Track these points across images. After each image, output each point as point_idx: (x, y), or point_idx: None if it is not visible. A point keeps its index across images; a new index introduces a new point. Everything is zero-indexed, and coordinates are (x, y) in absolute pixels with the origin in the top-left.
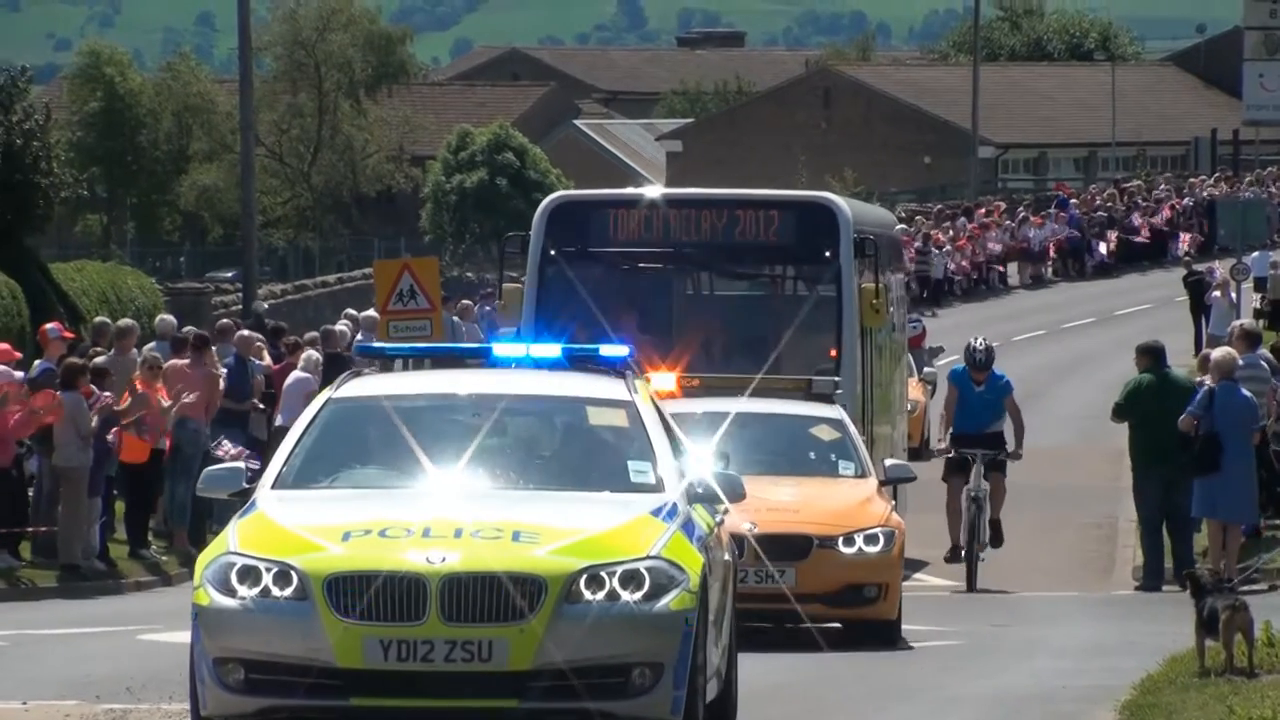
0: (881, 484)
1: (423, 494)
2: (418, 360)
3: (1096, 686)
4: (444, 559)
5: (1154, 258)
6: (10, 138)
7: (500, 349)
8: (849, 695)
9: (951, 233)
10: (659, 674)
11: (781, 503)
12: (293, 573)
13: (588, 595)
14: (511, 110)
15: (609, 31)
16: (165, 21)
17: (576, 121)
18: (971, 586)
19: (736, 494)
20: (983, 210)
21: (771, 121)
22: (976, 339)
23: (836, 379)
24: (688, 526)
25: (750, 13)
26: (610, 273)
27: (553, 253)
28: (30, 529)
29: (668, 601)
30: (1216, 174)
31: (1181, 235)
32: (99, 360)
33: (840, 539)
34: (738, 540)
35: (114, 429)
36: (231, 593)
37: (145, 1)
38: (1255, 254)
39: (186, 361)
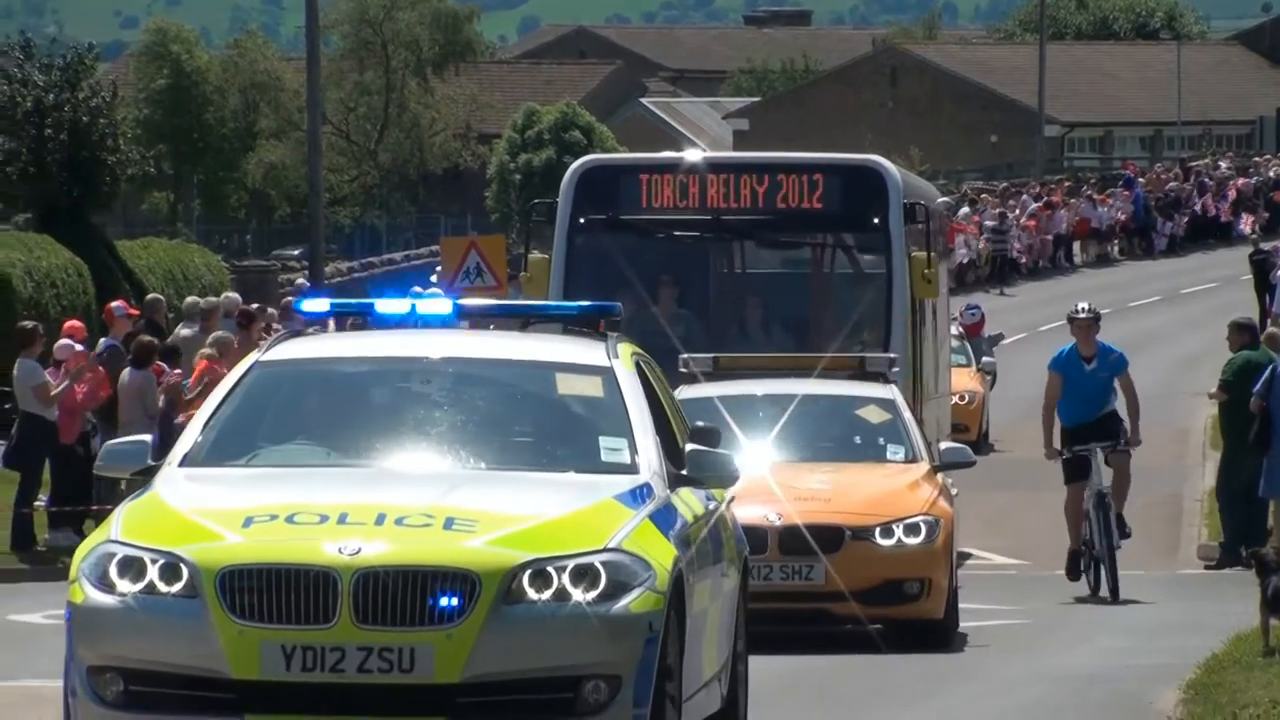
0: (935, 469)
1: (348, 474)
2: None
3: (1161, 665)
4: (359, 550)
5: (1219, 236)
6: (77, 115)
7: (383, 305)
8: (901, 678)
9: (1018, 211)
10: (616, 688)
11: (813, 491)
12: (182, 565)
13: (531, 594)
14: (578, 89)
15: (676, 10)
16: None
17: (643, 100)
18: (1114, 597)
19: (728, 476)
20: (1049, 188)
21: (838, 100)
22: (1080, 305)
23: (893, 355)
24: (663, 514)
25: None
26: (644, 242)
27: (582, 221)
28: (94, 507)
29: (628, 603)
30: None
31: (1245, 214)
32: (171, 339)
33: (877, 529)
34: (762, 533)
35: (183, 410)
36: (110, 589)
37: None
38: None
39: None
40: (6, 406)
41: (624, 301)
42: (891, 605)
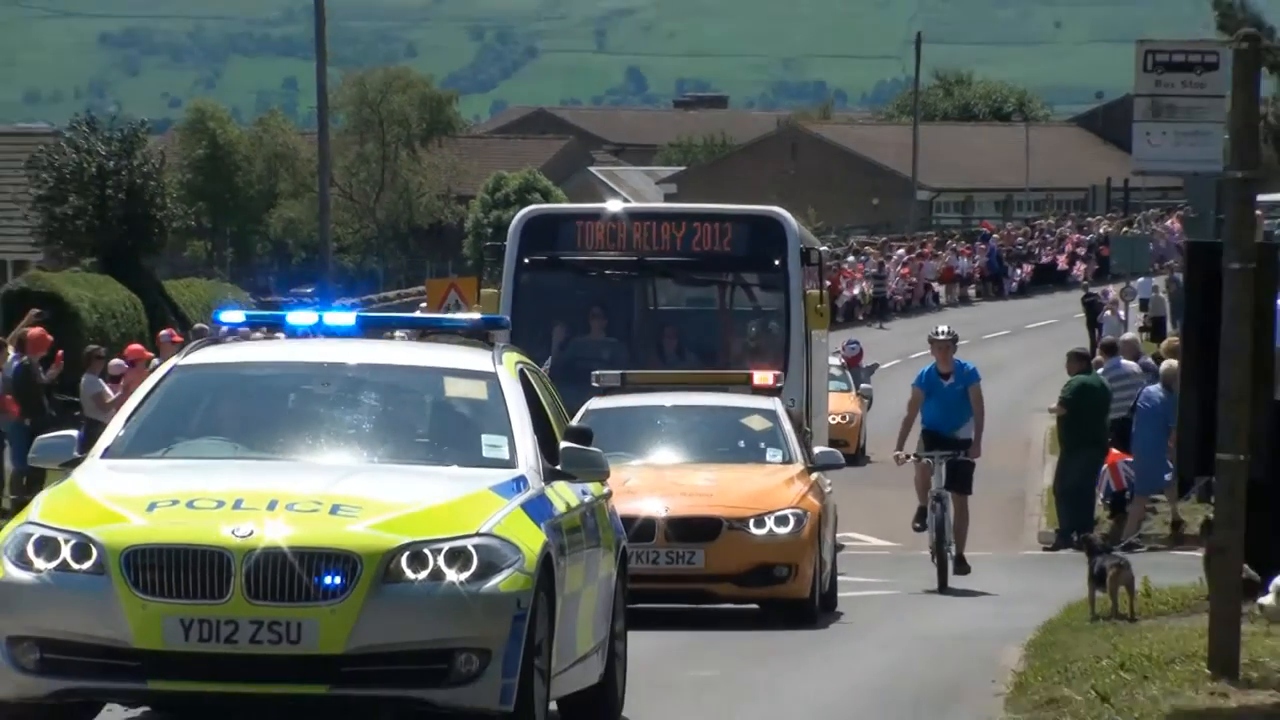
0: (808, 470)
1: (249, 465)
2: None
3: (1007, 629)
4: (251, 532)
5: (1058, 282)
6: (132, 178)
7: (293, 316)
8: (775, 644)
9: (894, 260)
10: (486, 660)
11: (696, 487)
12: (91, 545)
13: (409, 574)
14: (538, 159)
15: (618, 95)
16: (258, 84)
17: (591, 169)
18: (942, 588)
19: (598, 471)
20: (920, 242)
21: (749, 169)
22: (940, 327)
23: (777, 373)
24: (535, 504)
25: (732, 80)
26: (578, 279)
27: (526, 261)
28: None
29: (497, 582)
30: (1110, 215)
31: (1078, 264)
32: None
33: (751, 521)
34: (651, 523)
35: None
36: (28, 565)
37: (241, 68)
38: (1140, 280)
39: None
40: (76, 414)
41: (560, 328)
42: (763, 586)
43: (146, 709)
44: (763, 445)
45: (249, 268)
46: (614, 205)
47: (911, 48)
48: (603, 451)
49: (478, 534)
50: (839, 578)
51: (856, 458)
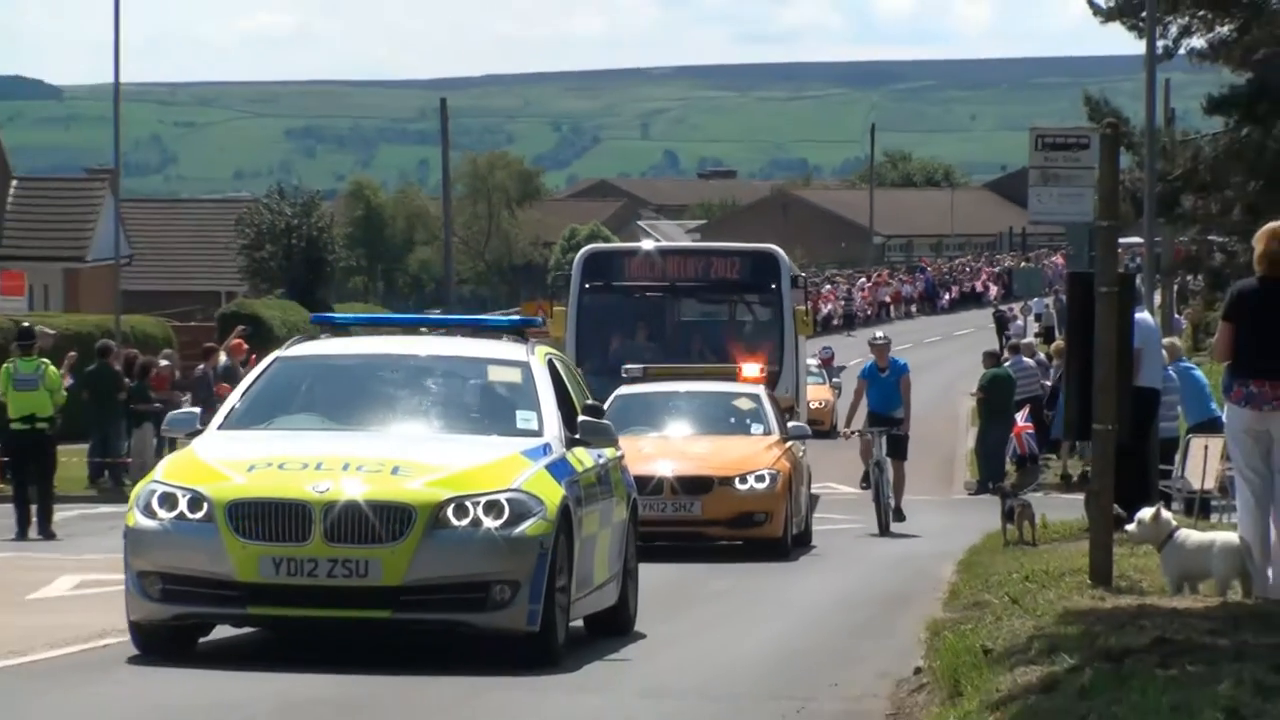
0: (784, 439)
1: (330, 435)
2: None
3: (942, 552)
4: (328, 489)
5: (975, 302)
6: (310, 232)
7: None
8: (762, 566)
9: (858, 287)
10: (515, 590)
11: (696, 453)
12: (203, 499)
13: (454, 521)
14: (600, 216)
15: (657, 169)
16: (400, 164)
17: (638, 223)
18: (882, 531)
19: (608, 439)
20: (876, 273)
21: (752, 222)
22: (877, 333)
23: (761, 367)
24: (557, 465)
25: (739, 159)
26: (624, 300)
27: (586, 286)
28: None
29: (525, 528)
30: (1012, 253)
31: (991, 288)
32: None
33: (736, 479)
34: (660, 481)
35: None
36: (153, 515)
37: (388, 152)
38: (1035, 299)
39: None
40: None
41: (610, 337)
42: (746, 529)
43: (247, 629)
44: (749, 421)
45: (394, 295)
46: (649, 244)
47: (868, 135)
48: (628, 425)
49: (509, 489)
50: (818, 516)
51: (830, 432)
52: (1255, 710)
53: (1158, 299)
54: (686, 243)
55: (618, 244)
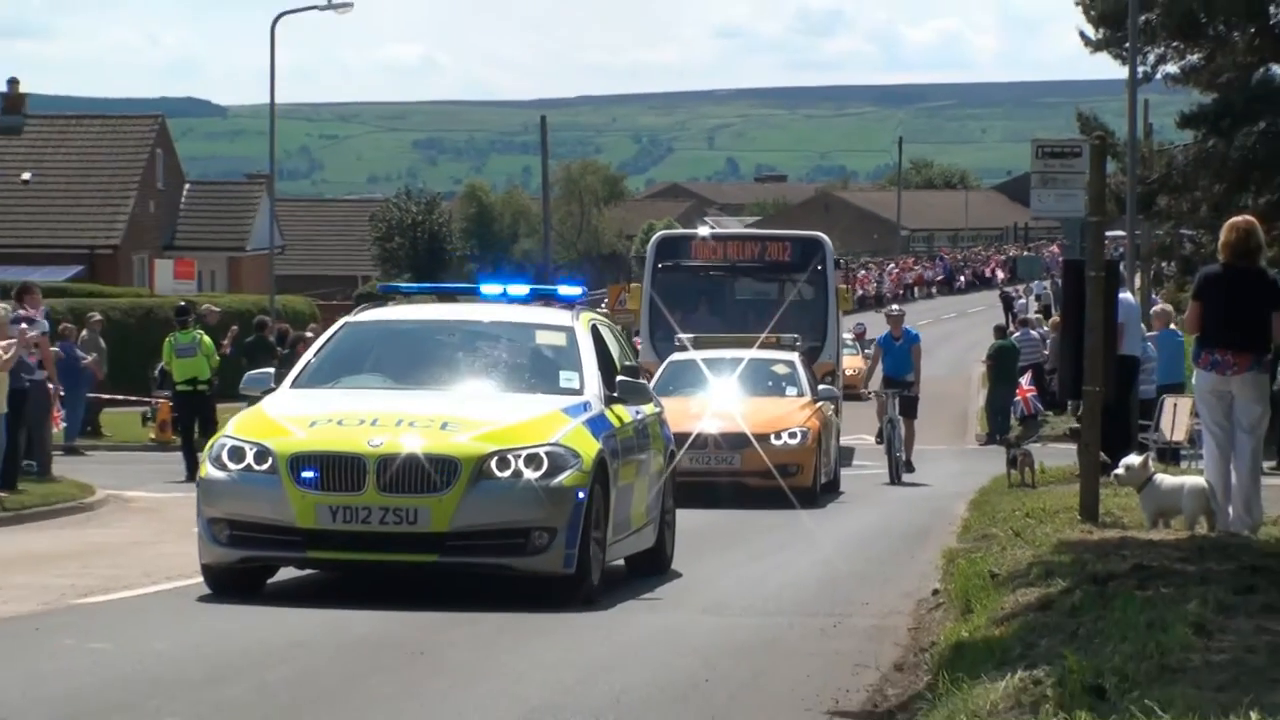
0: (814, 400)
1: (388, 394)
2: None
3: (956, 492)
4: (382, 443)
5: (986, 285)
6: (431, 227)
7: (486, 288)
8: (795, 511)
9: (888, 271)
10: (553, 536)
11: (737, 413)
12: (268, 452)
13: (497, 473)
14: (673, 213)
15: (721, 175)
16: (507, 170)
17: (705, 218)
18: (893, 480)
19: (644, 397)
20: (902, 260)
21: (799, 218)
22: (892, 306)
23: (796, 336)
24: (595, 421)
25: (790, 165)
26: (691, 278)
27: (659, 266)
28: None
29: (562, 479)
30: (1017, 244)
31: (999, 273)
32: None
33: (772, 435)
34: (706, 437)
35: None
36: (223, 467)
37: (497, 160)
38: (1036, 282)
39: None
40: None
41: (678, 310)
42: (781, 479)
43: (309, 572)
44: (784, 384)
45: (501, 280)
46: (713, 229)
47: (896, 146)
48: (678, 387)
49: (548, 443)
50: (851, 464)
51: (862, 396)
52: (1218, 625)
53: (1138, 282)
54: (743, 229)
55: (684, 230)
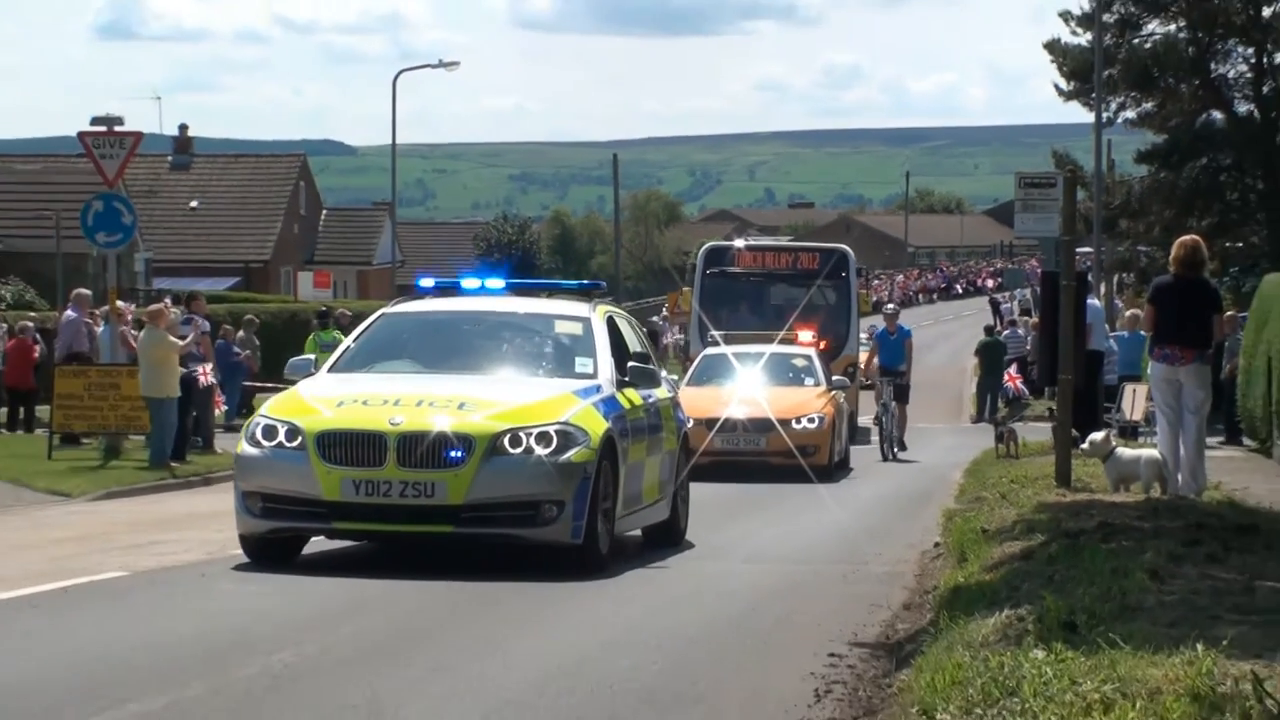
0: (829, 389)
1: (414, 377)
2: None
3: (953, 462)
4: (401, 421)
5: (979, 292)
6: (525, 245)
7: (466, 282)
8: (814, 486)
9: (898, 281)
10: (561, 509)
11: (762, 400)
12: (298, 430)
13: (509, 449)
14: (721, 234)
15: (760, 202)
16: (586, 199)
17: (746, 236)
18: (885, 458)
19: (653, 381)
20: (909, 272)
21: (824, 238)
22: (888, 304)
23: (812, 334)
24: (605, 403)
25: (817, 194)
26: (734, 283)
27: (707, 272)
28: None
29: (570, 455)
30: (1003, 258)
31: (989, 282)
32: None
33: (792, 420)
34: (735, 421)
35: None
36: (257, 444)
37: (577, 190)
38: (1019, 290)
39: None
40: None
41: (722, 310)
42: (800, 458)
43: (338, 542)
44: (803, 375)
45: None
46: (753, 241)
47: (904, 178)
48: (712, 378)
49: (558, 422)
50: (870, 442)
51: (873, 387)
52: (1169, 572)
53: (1103, 290)
54: (781, 241)
55: (729, 242)
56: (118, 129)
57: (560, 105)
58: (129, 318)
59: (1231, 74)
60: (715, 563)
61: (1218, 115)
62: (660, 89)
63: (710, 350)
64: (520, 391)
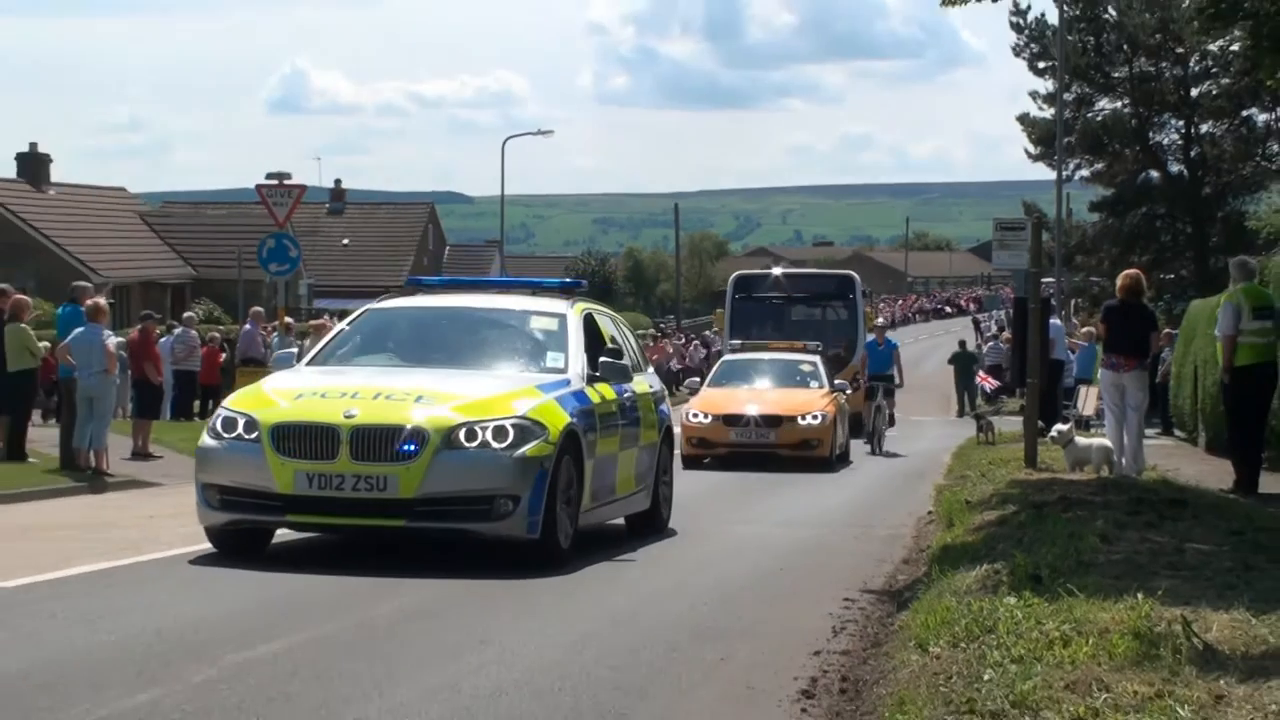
0: (831, 390)
1: (382, 371)
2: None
3: (942, 448)
4: (355, 414)
5: (963, 313)
6: (606, 275)
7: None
8: (818, 475)
9: (896, 305)
10: (517, 503)
11: (773, 399)
12: (255, 422)
13: (464, 443)
14: (755, 266)
15: (790, 241)
16: (654, 239)
17: (776, 270)
18: (874, 453)
19: (624, 375)
20: (907, 297)
21: (841, 269)
22: (878, 318)
23: (817, 344)
24: (570, 397)
25: (835, 234)
26: (760, 304)
27: (737, 296)
28: None
29: (526, 450)
30: (983, 285)
31: (972, 305)
32: None
33: (798, 417)
34: (748, 418)
35: None
36: (218, 436)
37: (648, 232)
38: (996, 311)
39: None
40: None
41: (749, 327)
42: (805, 451)
43: (314, 535)
44: (808, 379)
45: (650, 309)
46: (776, 270)
47: (904, 222)
48: (730, 380)
49: (515, 416)
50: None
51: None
52: (1115, 536)
53: (1063, 312)
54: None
55: (757, 270)
56: (286, 182)
57: (633, 164)
58: (294, 330)
59: (1166, 141)
60: (749, 527)
61: (1155, 174)
62: (712, 152)
63: (728, 356)
64: (482, 385)
